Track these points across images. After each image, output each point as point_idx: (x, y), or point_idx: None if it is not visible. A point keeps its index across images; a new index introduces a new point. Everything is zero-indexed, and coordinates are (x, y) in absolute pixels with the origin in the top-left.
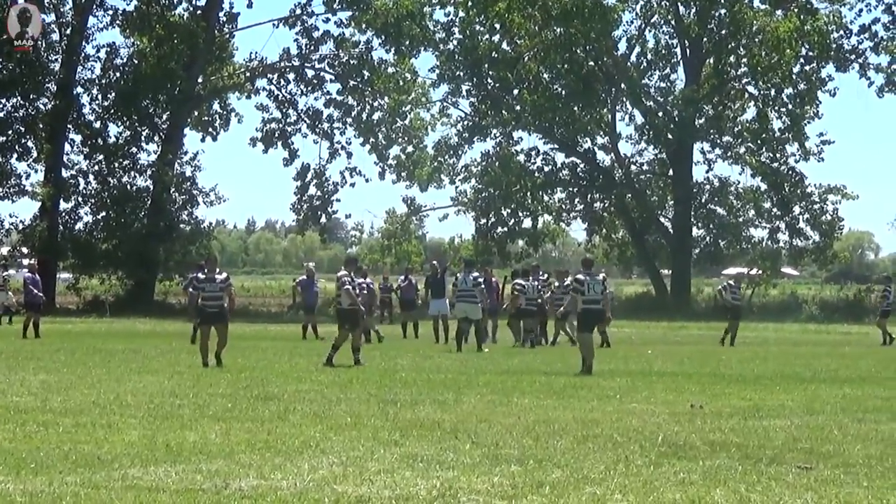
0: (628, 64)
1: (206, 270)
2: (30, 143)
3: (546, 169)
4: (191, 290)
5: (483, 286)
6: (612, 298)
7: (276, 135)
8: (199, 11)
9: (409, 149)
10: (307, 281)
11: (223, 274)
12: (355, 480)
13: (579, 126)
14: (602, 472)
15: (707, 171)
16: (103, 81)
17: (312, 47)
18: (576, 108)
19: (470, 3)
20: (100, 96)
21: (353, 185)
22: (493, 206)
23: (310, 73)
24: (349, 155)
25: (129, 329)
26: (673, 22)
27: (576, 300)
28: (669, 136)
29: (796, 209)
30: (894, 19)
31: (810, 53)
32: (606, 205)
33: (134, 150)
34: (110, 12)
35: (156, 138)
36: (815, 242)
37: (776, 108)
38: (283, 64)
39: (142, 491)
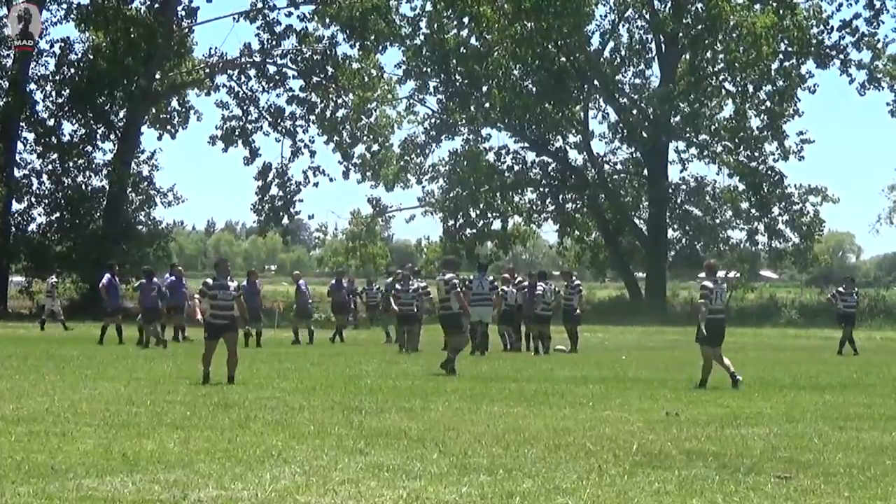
0: (601, 59)
1: (216, 276)
2: None
3: (516, 168)
4: (197, 297)
5: (499, 290)
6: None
7: (237, 133)
8: (156, 5)
9: (375, 147)
10: (144, 284)
11: (234, 282)
12: (319, 491)
13: (551, 124)
14: (574, 481)
15: (683, 171)
16: (57, 77)
17: (274, 42)
18: (547, 105)
19: None
20: (54, 93)
21: (316, 184)
22: (462, 207)
23: (271, 68)
24: (312, 154)
25: (84, 334)
26: (647, 16)
27: (704, 309)
28: (644, 135)
29: (775, 210)
30: (876, 14)
31: (789, 49)
32: (579, 205)
33: (89, 148)
34: (65, 6)
35: (112, 136)
36: (794, 244)
37: (754, 105)
38: (243, 59)
39: (97, 502)
